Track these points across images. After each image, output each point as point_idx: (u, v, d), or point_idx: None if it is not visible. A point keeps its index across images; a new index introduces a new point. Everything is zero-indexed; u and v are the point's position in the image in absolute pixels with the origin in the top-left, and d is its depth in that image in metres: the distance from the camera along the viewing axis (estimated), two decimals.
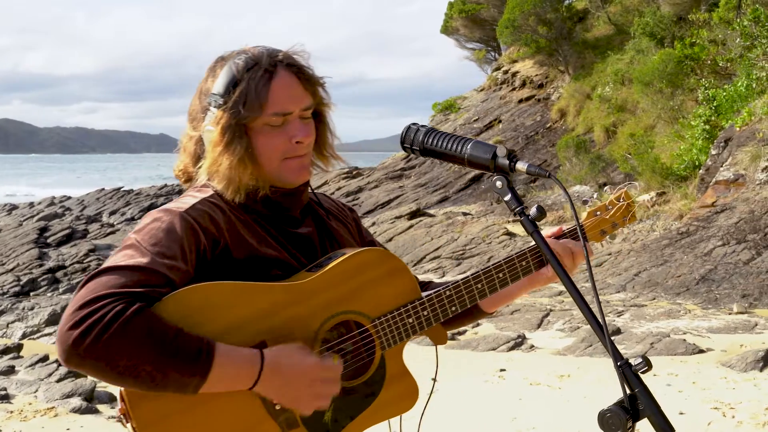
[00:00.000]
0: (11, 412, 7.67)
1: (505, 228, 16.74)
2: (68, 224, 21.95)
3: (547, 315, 10.28)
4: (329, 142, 1.84)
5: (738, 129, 14.13)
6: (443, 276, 14.57)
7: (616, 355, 1.41)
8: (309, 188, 1.86)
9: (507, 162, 1.55)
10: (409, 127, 1.70)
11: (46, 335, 11.79)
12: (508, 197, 1.55)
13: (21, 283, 15.47)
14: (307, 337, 1.66)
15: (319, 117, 1.80)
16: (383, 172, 26.49)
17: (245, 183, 1.70)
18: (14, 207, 28.99)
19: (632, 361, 1.41)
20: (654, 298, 11.15)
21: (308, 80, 1.73)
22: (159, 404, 1.53)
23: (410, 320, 1.76)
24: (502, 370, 7.80)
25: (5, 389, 8.36)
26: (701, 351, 8.14)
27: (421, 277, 2.08)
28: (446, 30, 31.72)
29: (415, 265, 15.65)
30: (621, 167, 18.35)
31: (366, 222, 20.33)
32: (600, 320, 1.40)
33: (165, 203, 1.76)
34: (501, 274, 1.84)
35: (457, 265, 15.11)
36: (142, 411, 1.52)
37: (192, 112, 1.76)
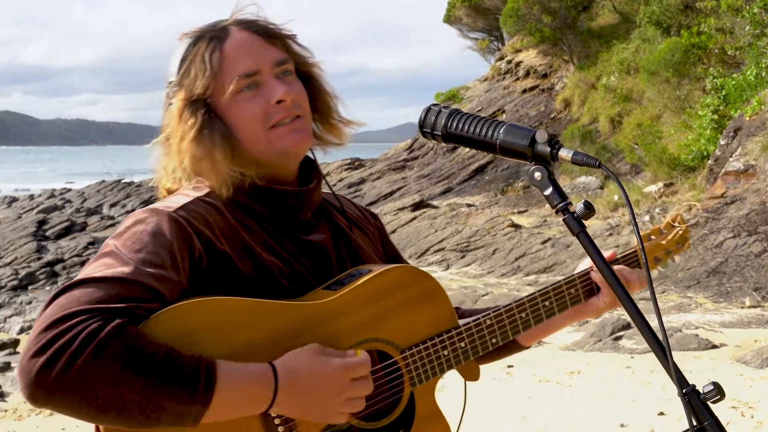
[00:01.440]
0: (5, 410, 7.49)
1: (510, 220, 16.51)
2: (67, 217, 21.76)
3: None
4: (332, 106, 1.53)
5: (748, 118, 13.86)
6: (448, 268, 14.35)
7: (682, 382, 1.17)
8: (323, 184, 1.56)
9: (548, 149, 1.28)
10: (429, 109, 1.41)
11: None
12: (548, 191, 1.27)
13: (19, 276, 15.30)
14: None
15: (307, 79, 1.50)
16: (386, 163, 26.22)
17: (226, 172, 1.40)
18: (14, 199, 28.80)
19: (700, 389, 1.17)
20: (664, 291, 10.92)
21: (269, 33, 1.45)
22: None
23: (445, 353, 1.50)
24: (509, 366, 7.58)
25: (0, 387, 8.19)
26: (714, 346, 7.91)
27: None
28: (449, 19, 31.38)
29: (419, 257, 15.42)
30: (627, 158, 18.08)
31: None
32: (663, 342, 1.16)
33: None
34: (548, 302, 1.61)
35: (461, 257, 14.88)
36: None
37: (164, 127, 1.47)
